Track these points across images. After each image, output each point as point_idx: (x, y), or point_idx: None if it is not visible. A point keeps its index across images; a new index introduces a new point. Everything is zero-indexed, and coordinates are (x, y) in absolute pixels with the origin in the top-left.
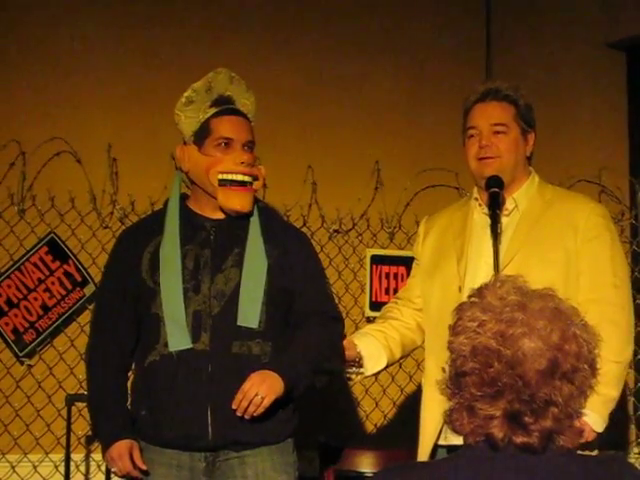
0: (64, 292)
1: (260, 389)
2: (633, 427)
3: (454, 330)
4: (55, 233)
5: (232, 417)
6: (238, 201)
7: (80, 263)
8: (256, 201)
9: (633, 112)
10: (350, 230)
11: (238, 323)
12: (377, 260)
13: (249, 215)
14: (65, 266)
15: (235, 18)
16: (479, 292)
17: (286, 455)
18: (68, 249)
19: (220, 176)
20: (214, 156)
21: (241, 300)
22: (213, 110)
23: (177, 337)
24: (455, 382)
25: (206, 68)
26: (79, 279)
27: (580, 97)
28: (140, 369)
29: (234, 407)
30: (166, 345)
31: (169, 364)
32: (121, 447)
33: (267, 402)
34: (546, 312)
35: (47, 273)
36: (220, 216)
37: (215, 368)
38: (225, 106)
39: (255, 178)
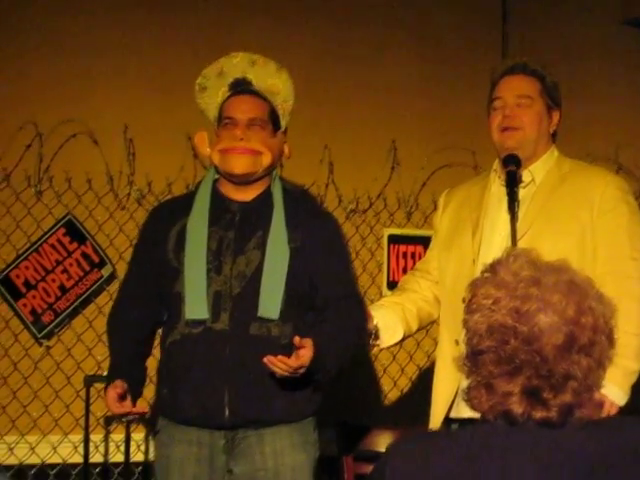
0: (82, 273)
1: (302, 367)
2: None
3: (469, 308)
4: (72, 214)
5: (250, 396)
6: (233, 163)
7: (98, 244)
8: (282, 181)
9: None
10: (367, 210)
11: (259, 314)
12: (394, 239)
13: (269, 192)
14: (83, 247)
15: (254, 2)
16: (492, 268)
17: (306, 434)
18: (85, 230)
19: (219, 155)
20: (219, 135)
21: (262, 291)
22: (228, 93)
23: (194, 307)
24: (472, 360)
25: (221, 49)
26: (97, 260)
27: (597, 75)
28: (162, 349)
29: (270, 359)
30: (186, 324)
31: (189, 343)
32: (107, 395)
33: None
34: (560, 286)
35: (65, 254)
36: (247, 198)
37: (233, 348)
38: (239, 88)
39: (255, 152)
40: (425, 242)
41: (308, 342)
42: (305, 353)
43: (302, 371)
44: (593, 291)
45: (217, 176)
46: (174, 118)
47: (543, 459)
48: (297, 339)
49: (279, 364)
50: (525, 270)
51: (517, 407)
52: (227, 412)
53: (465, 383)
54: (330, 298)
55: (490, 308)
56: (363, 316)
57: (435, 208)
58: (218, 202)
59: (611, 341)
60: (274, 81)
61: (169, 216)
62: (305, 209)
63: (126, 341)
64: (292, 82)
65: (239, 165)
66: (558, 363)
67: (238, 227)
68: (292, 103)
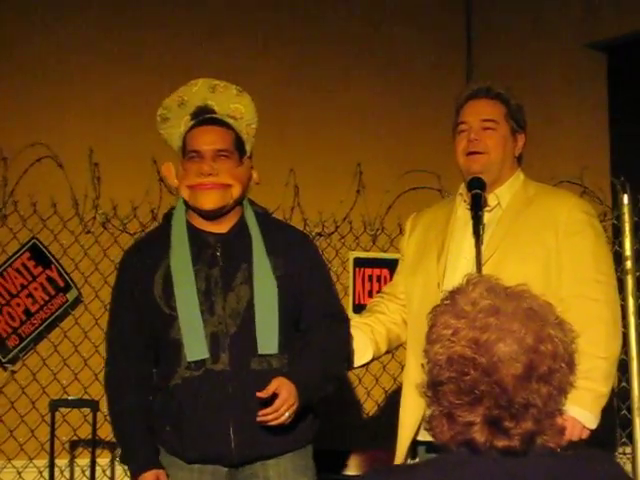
0: (47, 298)
1: (289, 408)
2: (617, 427)
3: (429, 338)
4: (37, 239)
5: (255, 433)
6: (203, 199)
7: (63, 268)
8: (252, 206)
9: (614, 113)
10: (333, 233)
11: (259, 352)
12: (360, 263)
13: (243, 221)
14: (48, 271)
15: (216, 23)
16: (451, 296)
17: (306, 459)
18: (50, 254)
19: (187, 190)
20: (186, 169)
21: (258, 329)
22: (191, 123)
23: (194, 349)
24: (433, 390)
25: (187, 73)
26: (62, 284)
27: (561, 98)
28: (163, 392)
29: (260, 419)
30: (187, 367)
31: (191, 386)
32: (148, 478)
33: (289, 419)
34: (519, 314)
35: (30, 279)
36: (222, 230)
37: (236, 387)
38: (202, 117)
39: (224, 185)
40: (391, 265)
41: (273, 383)
42: (280, 389)
43: (292, 401)
44: (552, 318)
45: (184, 206)
46: (139, 142)
47: None
48: (260, 395)
49: (270, 417)
50: (484, 299)
51: (479, 436)
52: (234, 451)
53: (428, 411)
54: (314, 318)
55: (450, 339)
56: (347, 333)
57: (401, 231)
58: (194, 237)
59: (571, 367)
60: (236, 105)
61: (148, 261)
62: (278, 230)
63: (141, 415)
64: (254, 105)
65: (209, 201)
66: (518, 393)
67: (222, 263)
68: (255, 126)
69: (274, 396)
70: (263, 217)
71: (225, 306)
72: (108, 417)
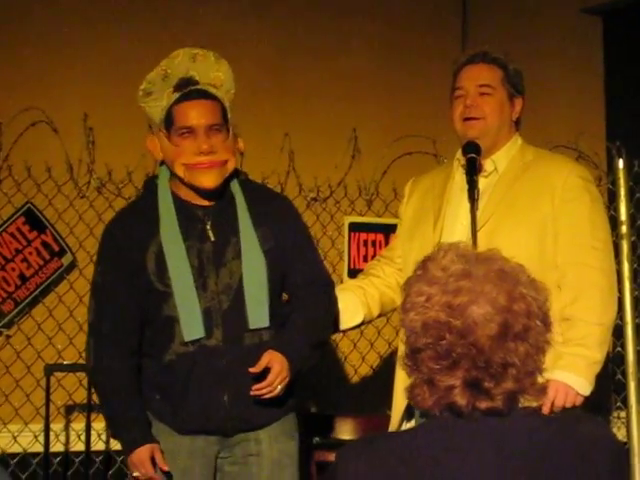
0: (42, 262)
1: (282, 381)
2: (612, 392)
3: (404, 307)
4: (32, 203)
5: (248, 407)
6: (203, 178)
7: (58, 233)
8: (237, 175)
9: (610, 78)
10: (328, 198)
11: (250, 327)
12: (355, 227)
13: (230, 192)
14: (42, 236)
15: None
16: (423, 264)
17: (292, 424)
18: (45, 219)
19: (184, 167)
20: (179, 145)
21: (248, 304)
22: (175, 95)
23: (191, 329)
24: (412, 358)
25: (180, 39)
26: (57, 249)
27: (557, 63)
28: (156, 367)
29: (254, 393)
30: (182, 344)
31: (185, 362)
32: (142, 453)
33: (282, 392)
34: (491, 275)
35: (24, 243)
36: (209, 202)
37: (230, 362)
38: (186, 89)
39: (223, 162)
40: (386, 230)
41: (264, 357)
42: (271, 362)
43: (285, 374)
44: (524, 277)
45: (168, 177)
46: (134, 107)
47: (496, 446)
48: (252, 370)
49: (264, 391)
50: (455, 264)
51: (460, 399)
52: (227, 423)
53: (409, 381)
54: (299, 284)
55: (423, 305)
56: (332, 298)
57: (396, 196)
58: (182, 210)
59: (547, 325)
60: (216, 74)
61: (138, 236)
62: (263, 199)
63: (131, 391)
64: (231, 71)
65: (209, 180)
66: (494, 353)
67: (213, 239)
68: (234, 92)
69: (266, 370)
70: (247, 185)
71: (218, 282)
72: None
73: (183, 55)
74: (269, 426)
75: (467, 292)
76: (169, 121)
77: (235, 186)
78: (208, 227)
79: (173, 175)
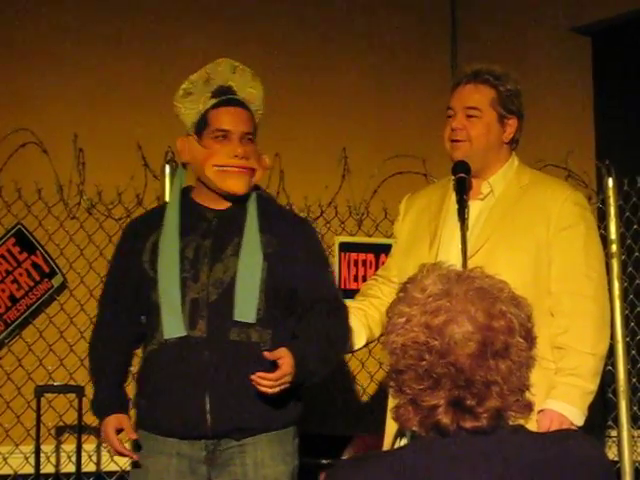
0: (32, 283)
1: (284, 384)
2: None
3: (386, 329)
4: (22, 224)
5: (232, 404)
6: (233, 182)
7: (48, 254)
8: (256, 189)
9: (599, 96)
10: (318, 218)
11: (235, 318)
12: (345, 247)
13: (245, 201)
14: (33, 257)
15: (200, 9)
16: (404, 286)
17: (285, 444)
18: (35, 240)
19: (215, 169)
20: (211, 148)
21: (237, 295)
22: (213, 101)
23: (171, 325)
24: (395, 379)
25: (173, 59)
26: (47, 270)
27: (547, 82)
28: (142, 359)
29: (255, 379)
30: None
31: (167, 352)
32: (107, 424)
33: (279, 390)
34: (470, 294)
35: (15, 265)
36: (222, 207)
37: (213, 355)
38: (225, 97)
39: (252, 170)
40: (376, 250)
41: (281, 351)
42: (284, 361)
43: (288, 379)
44: (504, 294)
45: (183, 181)
46: (124, 128)
47: (481, 466)
48: (267, 354)
49: (263, 382)
50: (436, 284)
51: (445, 418)
52: (209, 420)
53: (393, 402)
54: (310, 302)
55: (403, 327)
56: (347, 319)
57: (386, 216)
58: (194, 211)
59: (530, 341)
60: (251, 90)
61: (144, 229)
62: (278, 212)
63: (116, 369)
64: (263, 91)
65: (239, 185)
66: (475, 371)
67: (215, 235)
68: (262, 113)
69: (263, 367)
70: (265, 200)
71: (210, 275)
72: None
73: (225, 64)
74: (255, 440)
75: (446, 311)
76: (203, 124)
77: (251, 197)
78: (213, 226)
79: (197, 180)
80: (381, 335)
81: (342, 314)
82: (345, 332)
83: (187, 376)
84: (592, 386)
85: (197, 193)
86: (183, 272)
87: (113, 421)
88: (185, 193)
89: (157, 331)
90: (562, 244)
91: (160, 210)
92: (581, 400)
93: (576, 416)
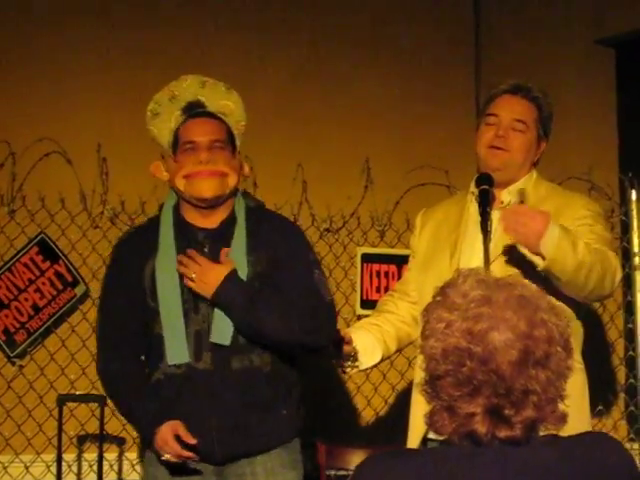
0: (55, 292)
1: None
2: (625, 423)
3: (423, 334)
4: (45, 233)
5: (239, 432)
6: (200, 187)
7: (71, 263)
8: (245, 199)
9: (622, 109)
10: (340, 229)
11: (210, 340)
12: (368, 258)
13: (233, 215)
14: (56, 266)
15: (223, 16)
16: (442, 291)
17: (293, 453)
18: (58, 249)
19: (184, 180)
20: (181, 162)
21: (214, 318)
22: (183, 117)
23: (175, 351)
24: (431, 385)
25: (194, 66)
26: (70, 279)
27: (570, 94)
28: (147, 387)
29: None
30: (169, 365)
31: (173, 382)
32: (163, 433)
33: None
34: (511, 302)
35: (38, 273)
36: (212, 224)
37: (218, 386)
38: (194, 111)
39: (223, 173)
40: (398, 261)
41: (226, 254)
42: (223, 261)
43: (205, 280)
44: (544, 303)
45: (175, 200)
46: (147, 137)
47: (514, 476)
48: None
49: (186, 262)
50: (475, 290)
51: (480, 427)
52: (217, 451)
53: (428, 408)
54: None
55: (443, 332)
56: (308, 314)
57: (409, 227)
58: (184, 232)
59: (568, 351)
60: (225, 102)
61: (139, 254)
62: (269, 225)
63: (139, 389)
64: (242, 102)
65: (207, 188)
66: (516, 379)
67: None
68: (244, 123)
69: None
70: (254, 211)
71: (208, 305)
72: (115, 409)
73: (192, 80)
74: (264, 455)
75: (487, 318)
76: (176, 142)
77: (240, 209)
78: (206, 250)
79: (180, 198)
80: (397, 350)
81: (312, 311)
82: (291, 318)
83: (193, 408)
84: (574, 260)
85: (185, 210)
86: (184, 304)
87: (167, 428)
88: (176, 210)
89: (162, 362)
90: (575, 229)
91: (150, 228)
92: (560, 241)
93: (548, 239)
